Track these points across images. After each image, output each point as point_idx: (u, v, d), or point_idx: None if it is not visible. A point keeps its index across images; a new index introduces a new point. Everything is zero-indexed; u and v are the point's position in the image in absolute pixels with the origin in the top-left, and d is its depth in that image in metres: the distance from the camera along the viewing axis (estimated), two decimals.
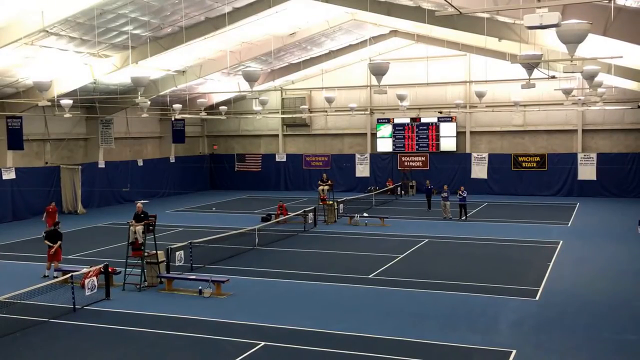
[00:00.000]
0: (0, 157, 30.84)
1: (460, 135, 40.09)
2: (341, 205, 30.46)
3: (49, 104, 25.61)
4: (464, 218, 28.94)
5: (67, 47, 24.43)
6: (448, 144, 40.22)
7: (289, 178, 44.39)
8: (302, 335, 13.38)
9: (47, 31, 21.87)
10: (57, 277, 17.59)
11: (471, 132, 39.94)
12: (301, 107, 40.50)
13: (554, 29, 10.92)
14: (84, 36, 23.66)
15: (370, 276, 18.57)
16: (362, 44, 35.31)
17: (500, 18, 21.60)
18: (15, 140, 30.51)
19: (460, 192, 29.20)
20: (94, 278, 16.19)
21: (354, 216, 28.78)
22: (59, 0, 19.24)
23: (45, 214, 25.97)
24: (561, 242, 23.39)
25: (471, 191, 38.56)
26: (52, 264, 18.72)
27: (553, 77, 23.40)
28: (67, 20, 21.12)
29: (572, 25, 11.57)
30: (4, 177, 30.65)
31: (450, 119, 39.91)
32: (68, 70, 26.93)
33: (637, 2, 15.09)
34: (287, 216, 28.48)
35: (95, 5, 19.94)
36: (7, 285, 16.20)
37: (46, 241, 18.95)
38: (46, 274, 18.70)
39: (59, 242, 18.87)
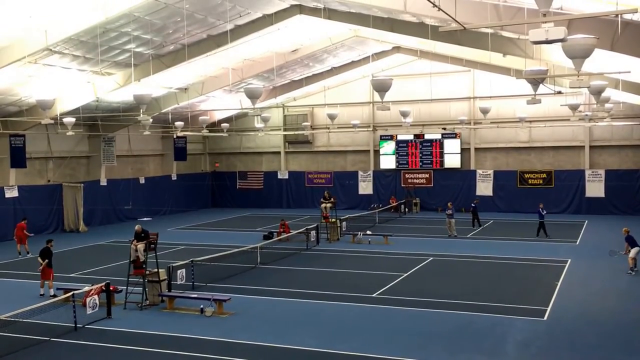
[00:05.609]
0: (3, 175, 30.80)
1: (464, 151, 39.86)
2: (344, 223, 30.18)
3: (52, 122, 25.64)
4: (544, 235, 28.33)
5: (70, 65, 24.46)
6: (452, 160, 39.96)
7: (291, 195, 44.18)
8: (305, 355, 13.13)
9: (51, 49, 21.91)
10: (54, 296, 17.60)
11: (476, 149, 39.73)
12: (303, 124, 40.43)
13: (559, 44, 10.75)
14: (87, 54, 23.71)
15: (374, 295, 18.30)
16: (365, 60, 35.30)
17: (505, 33, 21.49)
18: (18, 159, 30.56)
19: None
20: (96, 296, 16.09)
21: (357, 234, 28.51)
22: (63, 19, 19.28)
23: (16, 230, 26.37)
24: (569, 260, 23.05)
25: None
26: (46, 283, 18.68)
27: (559, 92, 23.16)
28: (70, 38, 21.21)
29: (579, 40, 11.41)
30: (7, 195, 30.59)
31: (454, 136, 39.73)
32: (71, 88, 26.92)
33: None
34: (289, 234, 28.25)
35: (98, 24, 19.98)
36: (9, 304, 16.09)
37: (39, 258, 18.98)
38: (41, 293, 18.63)
39: (45, 260, 18.80)
